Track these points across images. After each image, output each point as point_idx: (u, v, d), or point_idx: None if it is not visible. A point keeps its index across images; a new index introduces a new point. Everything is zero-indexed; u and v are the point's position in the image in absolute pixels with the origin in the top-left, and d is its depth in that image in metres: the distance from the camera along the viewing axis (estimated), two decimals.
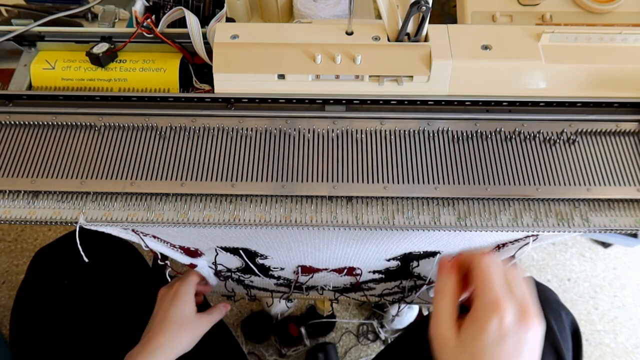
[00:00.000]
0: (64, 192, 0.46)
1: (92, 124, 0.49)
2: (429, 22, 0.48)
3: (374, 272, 0.67)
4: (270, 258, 0.63)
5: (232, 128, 0.49)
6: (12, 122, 0.49)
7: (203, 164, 0.47)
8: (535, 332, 0.38)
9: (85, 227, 0.45)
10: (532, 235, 0.50)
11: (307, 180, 0.46)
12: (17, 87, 0.52)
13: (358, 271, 0.67)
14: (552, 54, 0.48)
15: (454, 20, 0.58)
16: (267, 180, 0.46)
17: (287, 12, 0.60)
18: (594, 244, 1.22)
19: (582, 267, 1.19)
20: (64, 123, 0.49)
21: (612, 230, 0.45)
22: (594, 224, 0.45)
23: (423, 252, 0.59)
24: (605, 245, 1.21)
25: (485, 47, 0.48)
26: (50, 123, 0.49)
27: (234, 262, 0.66)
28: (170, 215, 0.46)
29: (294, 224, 0.45)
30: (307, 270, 0.68)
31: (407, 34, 0.48)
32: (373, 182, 0.46)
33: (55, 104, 0.50)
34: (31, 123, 0.49)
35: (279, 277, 0.70)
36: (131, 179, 0.46)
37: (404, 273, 0.67)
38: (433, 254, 0.60)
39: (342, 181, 0.46)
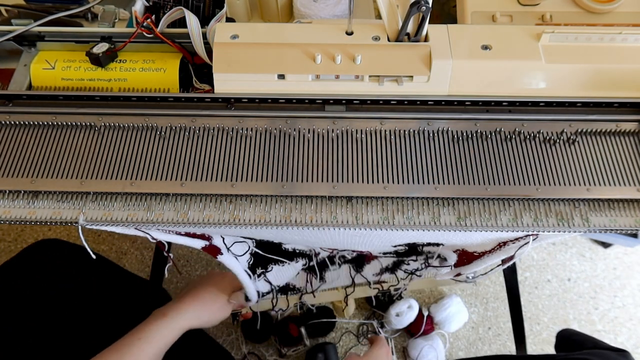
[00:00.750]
0: (64, 192, 0.46)
1: (92, 124, 0.49)
2: (429, 22, 0.48)
3: (384, 253, 0.74)
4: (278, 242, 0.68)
5: (232, 128, 0.49)
6: (12, 122, 0.49)
7: (203, 164, 0.47)
8: None
9: (86, 227, 0.45)
10: (532, 235, 0.50)
11: (307, 180, 0.46)
12: (17, 87, 0.52)
13: (367, 253, 0.75)
14: (552, 54, 0.48)
15: (454, 20, 0.58)
16: (267, 180, 0.46)
17: (287, 12, 0.60)
18: (594, 244, 1.22)
19: (582, 267, 1.19)
20: (64, 123, 0.49)
21: (612, 230, 0.45)
22: (594, 224, 0.45)
23: (427, 243, 0.63)
24: (605, 245, 1.21)
25: (485, 47, 0.48)
26: (50, 123, 0.49)
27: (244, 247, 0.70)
28: (170, 215, 0.46)
29: (294, 224, 0.45)
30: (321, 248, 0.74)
31: (407, 34, 0.48)
32: (373, 182, 0.46)
33: (55, 104, 0.50)
34: (31, 123, 0.49)
35: (293, 251, 0.74)
36: (131, 179, 0.46)
37: (413, 252, 0.73)
38: (437, 244, 0.63)
39: (342, 181, 0.46)
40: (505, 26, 0.53)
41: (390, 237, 0.61)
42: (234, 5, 0.58)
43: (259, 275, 0.75)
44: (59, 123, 0.49)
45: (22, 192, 0.46)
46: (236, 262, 0.67)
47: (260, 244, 0.70)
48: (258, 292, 0.78)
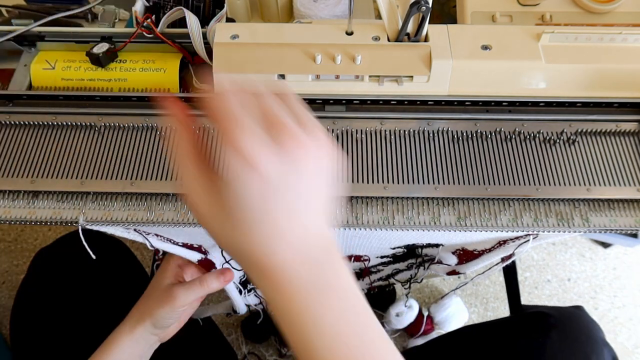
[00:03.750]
0: (64, 192, 0.46)
1: (92, 124, 0.49)
2: (429, 22, 0.48)
3: (382, 257, 0.69)
4: None
5: None
6: (12, 122, 0.49)
7: None
8: (311, 159, 0.27)
9: (86, 227, 0.45)
10: (532, 234, 0.50)
11: None
12: (17, 87, 0.52)
13: (365, 257, 0.69)
14: (552, 54, 0.48)
15: (454, 20, 0.58)
16: None
17: (287, 12, 0.60)
18: (594, 244, 1.22)
19: (582, 267, 1.19)
20: (64, 123, 0.49)
21: (612, 230, 0.45)
22: (594, 224, 0.45)
23: (426, 244, 0.61)
24: (605, 245, 1.21)
25: (485, 47, 0.48)
26: (50, 123, 0.49)
27: None
28: (170, 215, 0.46)
29: None
30: None
31: (407, 34, 0.48)
32: (373, 182, 0.46)
33: (55, 104, 0.50)
34: (31, 123, 0.49)
35: None
36: (131, 179, 0.46)
37: (410, 255, 0.70)
38: (436, 245, 0.62)
39: (342, 181, 0.46)
40: (505, 26, 0.53)
41: (389, 239, 0.61)
42: (234, 5, 0.58)
43: (249, 291, 0.73)
44: (59, 123, 0.49)
45: (22, 192, 0.46)
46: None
47: None
48: (247, 305, 0.77)
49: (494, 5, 0.55)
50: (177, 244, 0.55)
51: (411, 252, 0.68)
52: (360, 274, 0.78)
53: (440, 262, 0.69)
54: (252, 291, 0.74)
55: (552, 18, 0.55)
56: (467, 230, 0.45)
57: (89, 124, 0.49)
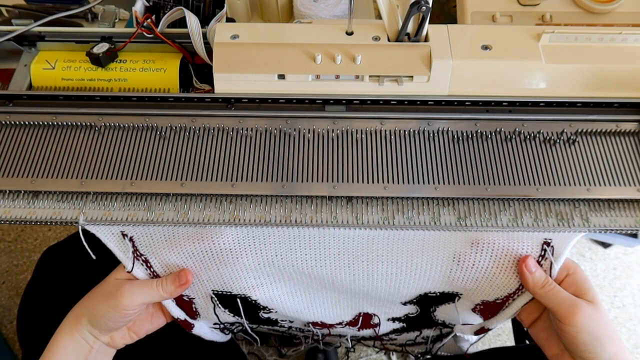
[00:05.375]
0: (64, 192, 0.46)
1: (92, 124, 0.49)
2: (429, 22, 0.48)
3: (393, 319, 0.57)
4: (275, 312, 0.53)
5: (232, 128, 0.49)
6: (12, 122, 0.49)
7: (203, 164, 0.47)
8: None
9: (85, 227, 0.45)
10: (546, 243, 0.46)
11: (307, 180, 0.46)
12: (17, 87, 0.52)
13: (375, 320, 0.57)
14: (552, 54, 0.48)
15: (454, 20, 0.58)
16: (267, 180, 0.46)
17: (287, 12, 0.60)
18: (594, 244, 1.22)
19: (582, 267, 1.18)
20: (64, 123, 0.49)
21: (612, 230, 0.45)
22: (594, 224, 0.45)
23: (439, 293, 0.51)
24: (605, 245, 1.21)
25: (485, 47, 0.48)
26: (50, 123, 0.49)
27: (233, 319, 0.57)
28: (170, 215, 0.46)
29: (294, 224, 0.45)
30: (321, 325, 0.58)
31: (407, 34, 0.48)
32: (373, 182, 0.46)
33: (55, 104, 0.50)
34: (31, 123, 0.49)
35: (290, 328, 0.61)
36: (131, 179, 0.46)
37: (426, 320, 0.58)
38: (451, 296, 0.52)
39: (342, 181, 0.46)
40: (505, 26, 0.53)
41: (399, 287, 0.51)
42: (234, 5, 0.58)
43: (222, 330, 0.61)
44: (59, 123, 0.49)
45: (22, 192, 0.46)
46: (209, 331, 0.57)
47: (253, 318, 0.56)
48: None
49: (494, 5, 0.55)
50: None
51: (425, 313, 0.56)
52: (368, 338, 0.68)
53: (461, 333, 0.57)
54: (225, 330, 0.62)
55: (552, 18, 0.55)
56: (467, 230, 0.45)
57: (89, 124, 0.49)
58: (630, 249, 1.20)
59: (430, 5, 0.44)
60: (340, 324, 0.57)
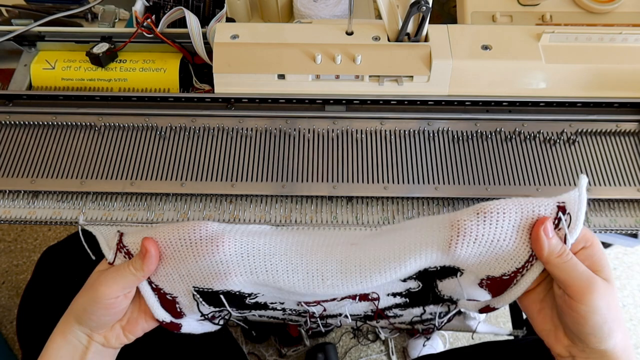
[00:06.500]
0: (64, 192, 0.46)
1: (92, 124, 0.49)
2: (429, 22, 0.48)
3: (394, 294, 0.52)
4: (262, 295, 0.50)
5: (232, 128, 0.49)
6: (12, 122, 0.49)
7: (203, 164, 0.47)
8: None
9: (85, 227, 0.45)
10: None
11: (307, 180, 0.46)
12: (17, 87, 0.52)
13: (374, 295, 0.52)
14: (552, 54, 0.48)
15: (454, 20, 0.58)
16: (267, 180, 0.46)
17: (287, 12, 0.60)
18: None
19: None
20: (64, 123, 0.49)
21: (612, 230, 0.45)
22: (594, 224, 0.45)
23: (440, 267, 0.45)
24: (605, 245, 1.21)
25: (485, 47, 0.48)
26: (50, 123, 0.49)
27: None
28: (170, 215, 0.46)
29: (294, 224, 0.45)
30: (314, 303, 0.54)
31: (407, 34, 0.48)
32: (373, 182, 0.46)
33: (55, 104, 0.50)
34: (31, 123, 0.49)
35: (284, 310, 0.57)
36: (131, 179, 0.46)
37: (430, 295, 0.53)
38: (452, 271, 0.46)
39: (342, 181, 0.46)
40: (505, 26, 0.53)
41: (388, 264, 0.43)
42: (234, 5, 0.58)
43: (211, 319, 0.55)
44: (59, 123, 0.49)
45: (22, 192, 0.46)
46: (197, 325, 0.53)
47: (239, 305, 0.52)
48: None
49: (494, 5, 0.55)
50: (151, 284, 0.45)
51: (428, 287, 0.51)
52: (371, 317, 0.61)
53: (465, 309, 0.52)
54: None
55: (552, 18, 0.55)
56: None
57: (89, 124, 0.49)
58: (630, 249, 1.20)
59: (430, 5, 0.44)
60: (334, 299, 0.52)
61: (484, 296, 0.48)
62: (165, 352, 0.59)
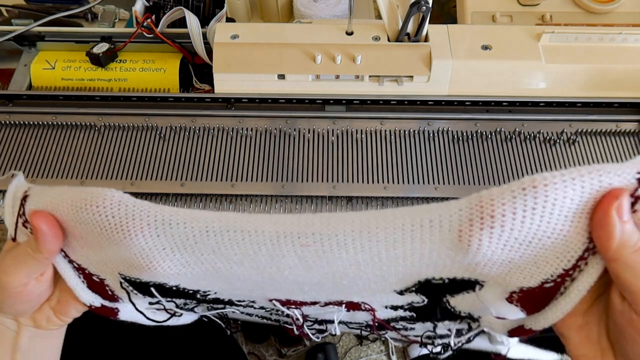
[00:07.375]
0: None
1: (92, 124, 0.49)
2: (429, 22, 0.48)
3: (394, 307, 0.41)
4: (215, 293, 0.39)
5: (232, 128, 0.49)
6: (12, 122, 0.49)
7: (203, 164, 0.47)
8: None
9: None
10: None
11: (307, 181, 0.46)
12: (17, 87, 0.52)
13: (367, 306, 0.41)
14: (552, 54, 0.48)
15: (454, 20, 0.58)
16: (267, 180, 0.46)
17: (287, 12, 0.60)
18: None
19: None
20: (64, 123, 0.49)
21: None
22: None
23: (448, 280, 0.31)
24: None
25: (485, 47, 0.48)
26: (50, 123, 0.49)
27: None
28: None
29: None
30: (289, 303, 0.42)
31: (407, 34, 0.48)
32: (373, 182, 0.46)
33: (55, 104, 0.50)
34: (31, 123, 0.49)
35: (262, 308, 0.44)
36: (131, 179, 0.46)
37: (441, 311, 0.41)
38: (468, 284, 0.32)
39: (342, 181, 0.46)
40: (505, 26, 0.53)
41: (381, 272, 0.31)
42: (234, 5, 0.58)
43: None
44: (59, 123, 0.49)
45: None
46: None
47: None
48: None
49: (494, 5, 0.55)
50: (75, 266, 0.35)
51: (437, 305, 0.39)
52: (370, 326, 0.50)
53: (490, 329, 0.37)
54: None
55: (552, 18, 0.55)
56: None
57: (89, 124, 0.49)
58: None
59: (430, 5, 0.44)
60: (315, 303, 0.40)
61: (515, 313, 0.34)
62: (165, 351, 0.59)
